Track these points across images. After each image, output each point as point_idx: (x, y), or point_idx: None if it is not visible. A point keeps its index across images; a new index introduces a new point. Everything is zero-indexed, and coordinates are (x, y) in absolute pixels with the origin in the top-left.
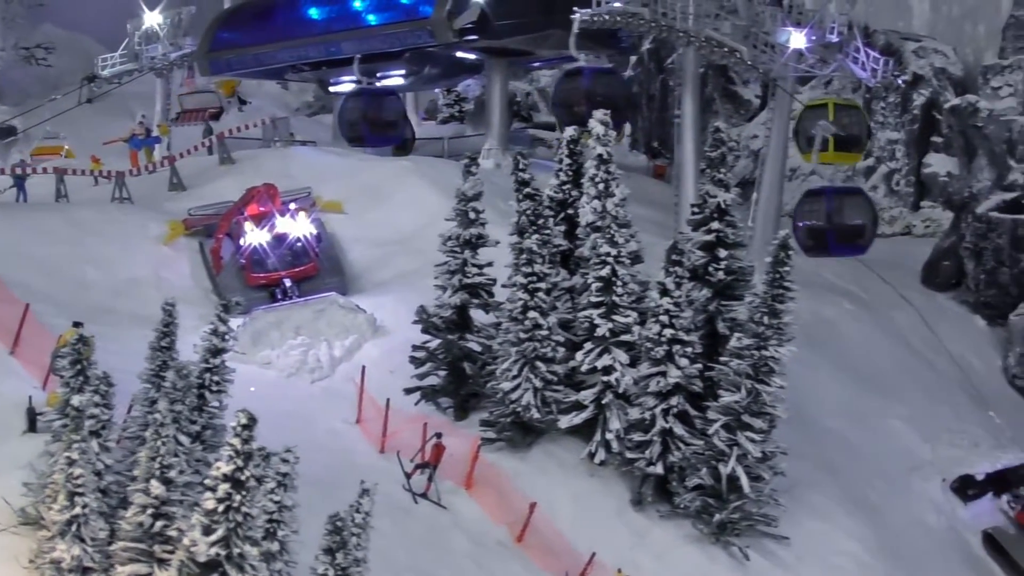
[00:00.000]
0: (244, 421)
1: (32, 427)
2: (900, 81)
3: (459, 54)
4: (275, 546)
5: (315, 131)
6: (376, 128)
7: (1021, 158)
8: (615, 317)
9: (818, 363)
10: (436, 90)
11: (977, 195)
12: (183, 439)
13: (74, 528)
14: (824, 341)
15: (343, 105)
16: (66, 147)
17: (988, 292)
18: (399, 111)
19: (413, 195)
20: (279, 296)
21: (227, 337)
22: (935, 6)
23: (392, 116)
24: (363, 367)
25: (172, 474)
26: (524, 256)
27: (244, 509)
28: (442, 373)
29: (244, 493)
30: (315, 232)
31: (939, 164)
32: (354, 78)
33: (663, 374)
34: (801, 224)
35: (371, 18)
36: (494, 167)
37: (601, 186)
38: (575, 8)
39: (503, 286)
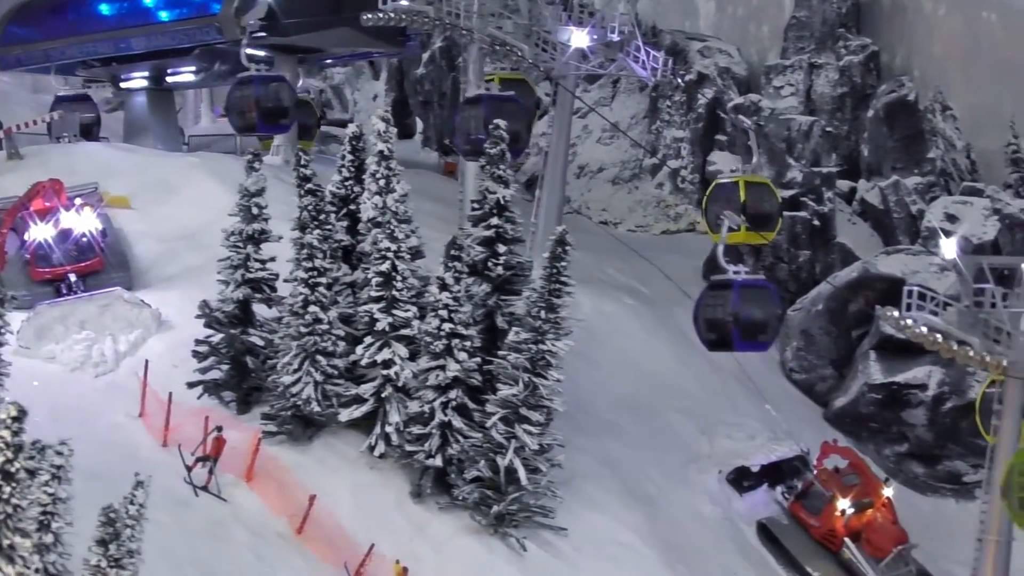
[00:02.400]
0: (13, 413)
1: None
2: (680, 80)
3: (249, 51)
4: (49, 538)
5: (115, 127)
6: (268, 116)
7: (799, 156)
8: (395, 311)
9: (598, 357)
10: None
11: None
12: None
13: None
14: (604, 336)
15: (232, 93)
16: None
17: None
18: (291, 98)
19: (200, 191)
20: (64, 291)
21: (3, 331)
22: (720, 6)
23: (284, 104)
24: (146, 361)
25: None
26: (305, 251)
27: (14, 501)
28: (225, 367)
29: (14, 485)
30: (101, 227)
31: (723, 162)
32: (145, 74)
33: (442, 368)
34: (703, 319)
35: (161, 15)
36: (283, 163)
37: (382, 182)
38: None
39: (285, 281)
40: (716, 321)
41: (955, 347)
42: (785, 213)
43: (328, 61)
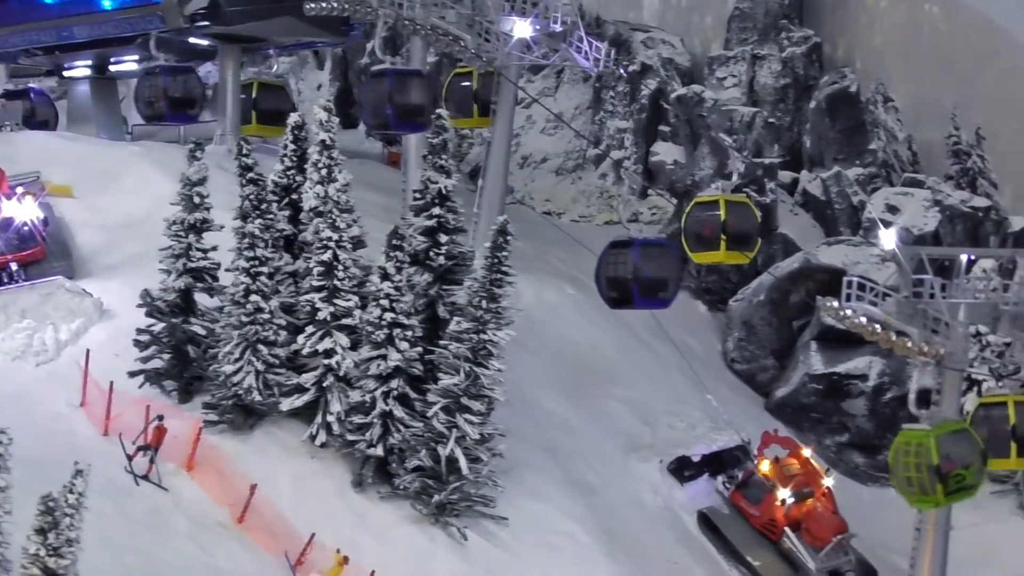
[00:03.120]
0: None
1: None
2: (623, 71)
3: (192, 40)
4: None
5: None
6: (176, 106)
7: (742, 147)
8: (336, 301)
9: (539, 347)
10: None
11: (699, 183)
12: None
13: None
14: (546, 325)
15: (140, 83)
16: None
17: (709, 278)
18: (200, 89)
19: (143, 180)
20: (5, 280)
21: None
22: None
23: (193, 94)
24: (87, 351)
25: None
26: (247, 240)
27: None
28: (166, 356)
29: None
30: (42, 216)
31: (666, 152)
32: (89, 63)
33: (384, 357)
34: (604, 277)
35: (104, 3)
36: (226, 153)
37: (324, 171)
38: None
39: (227, 270)
40: (617, 279)
41: (894, 337)
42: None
43: (272, 51)
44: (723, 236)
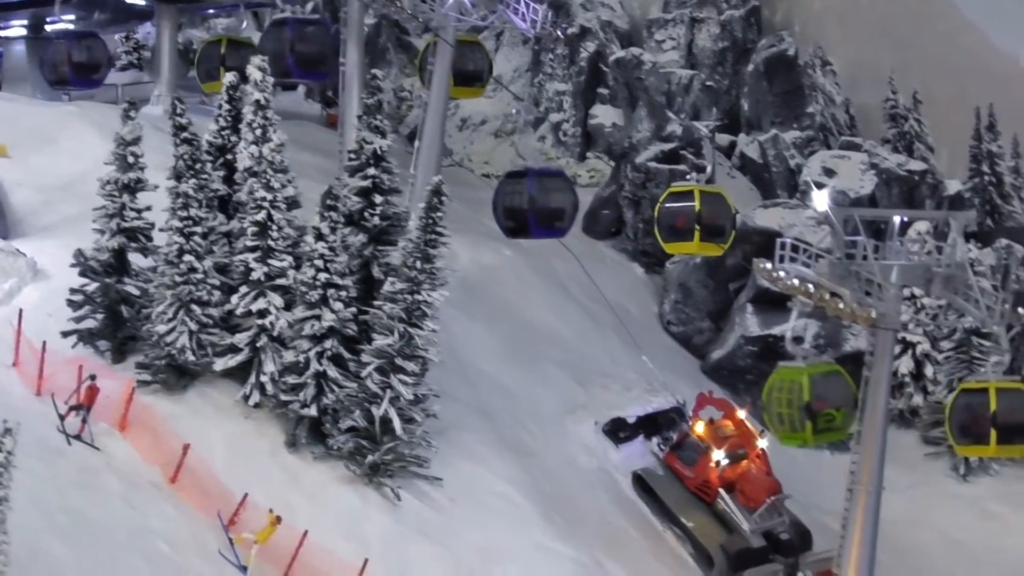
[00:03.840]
0: None
1: None
2: (561, 33)
3: (128, 0)
4: None
5: None
6: (80, 71)
7: (679, 110)
8: (270, 261)
9: (475, 308)
10: (116, 36)
11: (637, 145)
12: None
13: None
14: (482, 287)
15: (47, 48)
16: None
17: (646, 241)
18: (104, 54)
19: (78, 140)
20: None
21: None
22: None
23: (98, 59)
24: (20, 310)
25: None
26: (180, 200)
27: None
28: (100, 316)
29: None
30: None
31: (604, 115)
32: (24, 23)
33: (318, 317)
34: (501, 207)
35: None
36: (163, 113)
37: (259, 131)
38: None
39: (161, 230)
40: (514, 209)
41: (826, 298)
42: (665, 166)
43: (210, 11)
44: (697, 227)
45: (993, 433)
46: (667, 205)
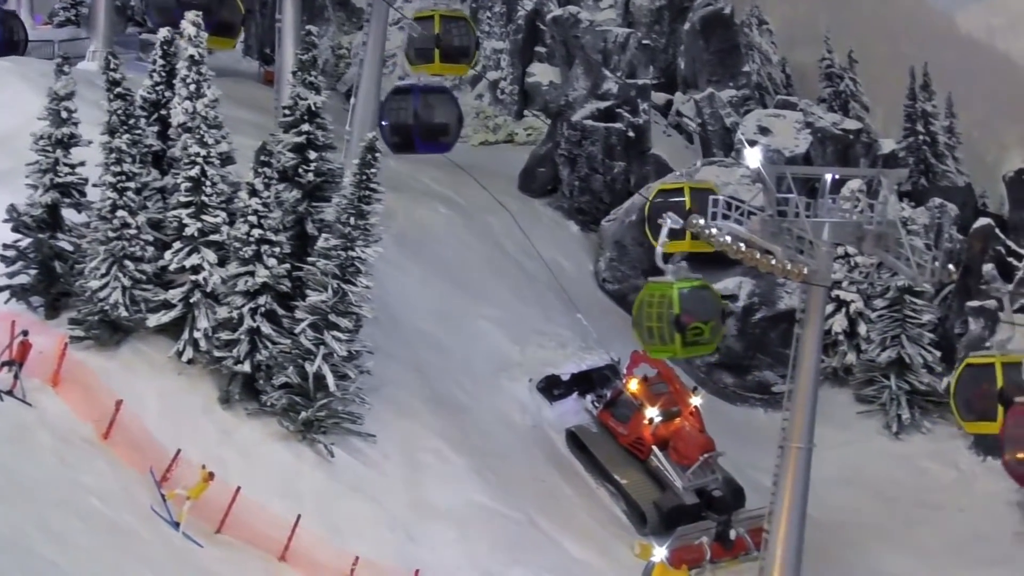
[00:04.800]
0: None
1: None
2: None
3: None
4: None
5: None
6: None
7: (615, 68)
8: (204, 217)
9: (410, 265)
10: None
11: (573, 103)
12: None
13: None
14: (417, 244)
15: None
16: None
17: (582, 198)
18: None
19: (12, 96)
20: None
21: None
22: None
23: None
24: None
25: None
26: (114, 156)
27: None
28: (32, 272)
29: None
30: None
31: (542, 73)
32: None
33: (251, 274)
34: (387, 123)
35: None
36: (98, 69)
37: (193, 87)
38: None
39: (94, 186)
40: (399, 125)
41: (758, 255)
42: (600, 124)
43: None
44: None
45: (1000, 409)
46: (657, 204)
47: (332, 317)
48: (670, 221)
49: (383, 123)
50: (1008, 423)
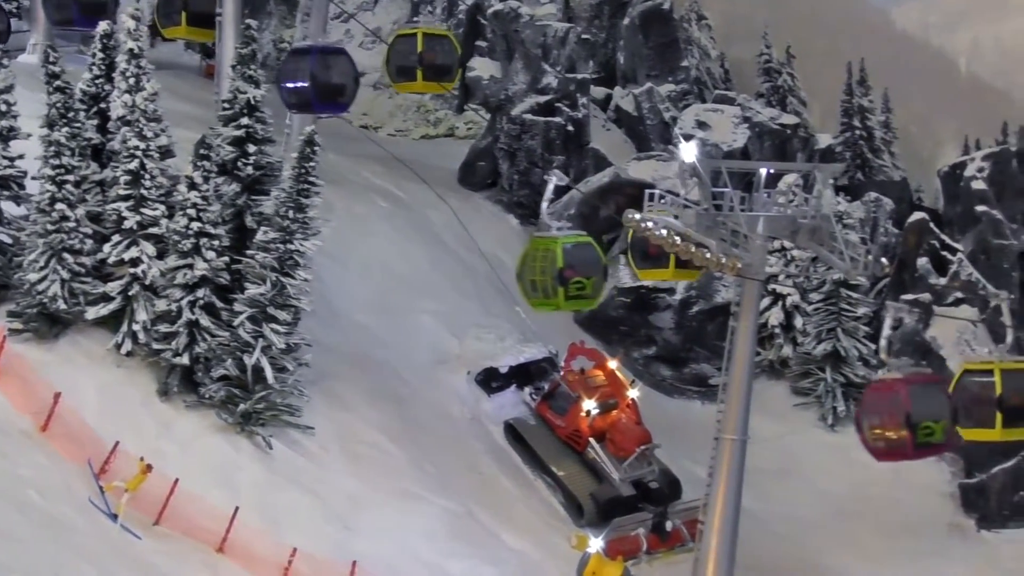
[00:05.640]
0: None
1: None
2: None
3: None
4: None
5: None
6: None
7: (555, 62)
8: (143, 210)
9: (349, 259)
10: None
11: (513, 98)
12: None
13: None
14: (357, 238)
15: None
16: None
17: (521, 192)
18: None
19: None
20: None
21: None
22: None
23: None
24: None
25: None
26: (53, 149)
27: None
28: None
29: None
30: None
31: (482, 67)
32: None
33: (190, 266)
34: (285, 84)
35: None
36: (38, 62)
37: (132, 80)
38: None
39: (33, 179)
40: (297, 86)
41: (693, 249)
42: (540, 118)
43: None
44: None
45: (999, 416)
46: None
47: (271, 310)
48: (555, 178)
49: (282, 84)
50: (865, 399)
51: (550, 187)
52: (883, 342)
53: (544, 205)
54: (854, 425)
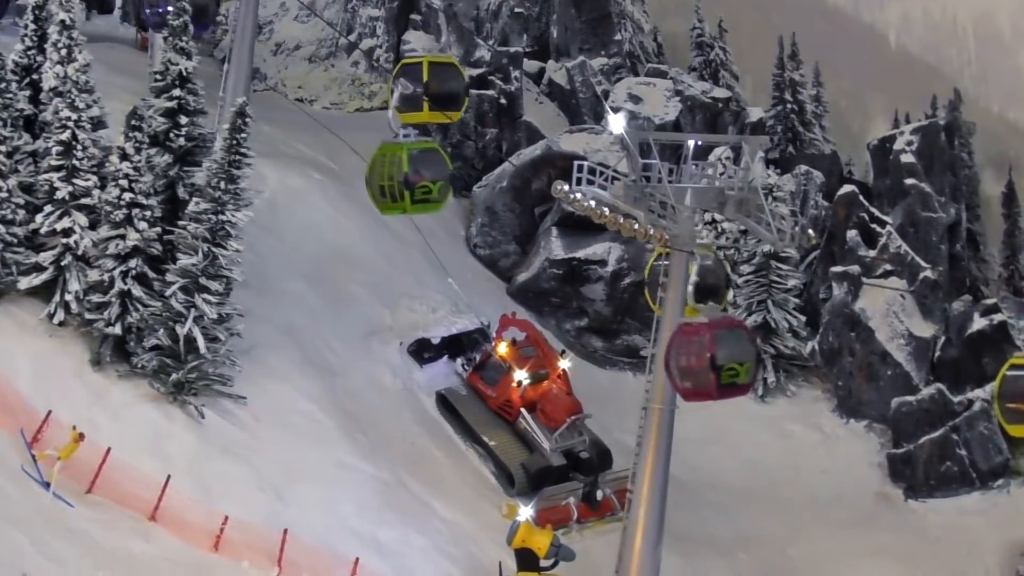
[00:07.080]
0: None
1: None
2: None
3: None
4: None
5: None
6: None
7: (488, 36)
8: (75, 181)
9: (282, 230)
10: None
11: None
12: None
13: None
14: (290, 209)
15: None
16: None
17: (454, 164)
18: None
19: None
20: None
21: None
22: None
23: None
24: None
25: None
26: None
27: None
28: None
29: None
30: None
31: (417, 41)
32: None
33: (122, 237)
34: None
35: None
36: None
37: (64, 52)
38: None
39: None
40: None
41: (621, 220)
42: (473, 91)
43: None
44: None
45: None
46: (656, 269)
47: (203, 280)
48: (401, 88)
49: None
50: (672, 343)
51: (396, 94)
52: (689, 288)
53: (390, 112)
54: (664, 367)
